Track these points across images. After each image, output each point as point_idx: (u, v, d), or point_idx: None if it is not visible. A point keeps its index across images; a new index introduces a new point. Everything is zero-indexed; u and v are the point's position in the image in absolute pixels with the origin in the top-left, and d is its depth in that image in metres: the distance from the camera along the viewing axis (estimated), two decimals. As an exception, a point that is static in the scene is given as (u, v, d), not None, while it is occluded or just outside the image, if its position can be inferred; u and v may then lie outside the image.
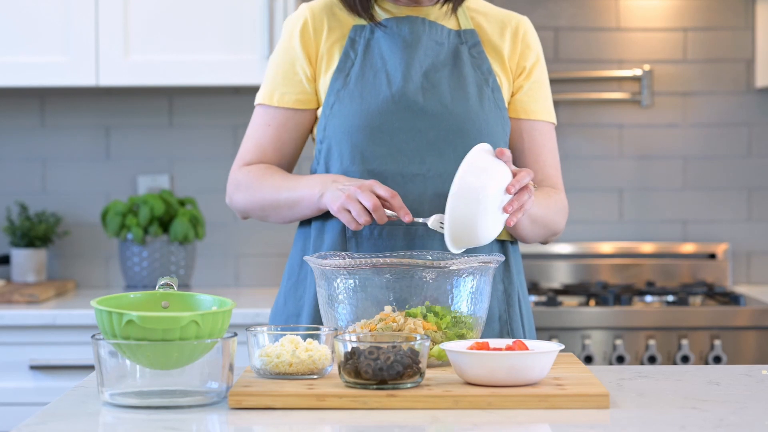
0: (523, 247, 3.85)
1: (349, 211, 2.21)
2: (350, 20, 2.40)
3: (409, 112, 2.33)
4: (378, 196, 2.20)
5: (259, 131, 2.44)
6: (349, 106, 2.34)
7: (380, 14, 2.41)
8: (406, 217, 2.19)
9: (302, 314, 2.39)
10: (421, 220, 2.23)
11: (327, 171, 2.38)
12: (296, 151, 2.45)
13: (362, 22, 2.39)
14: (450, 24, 2.41)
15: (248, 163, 2.45)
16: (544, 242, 2.44)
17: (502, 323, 2.36)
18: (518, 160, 2.44)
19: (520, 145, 2.43)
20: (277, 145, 2.43)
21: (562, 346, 1.96)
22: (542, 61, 2.46)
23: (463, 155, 2.32)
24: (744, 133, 4.08)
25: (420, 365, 1.89)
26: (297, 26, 2.40)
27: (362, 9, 2.37)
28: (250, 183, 2.41)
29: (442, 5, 2.39)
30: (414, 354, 1.88)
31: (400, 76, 2.35)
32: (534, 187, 2.19)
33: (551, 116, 2.47)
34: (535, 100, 2.43)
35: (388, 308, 2.09)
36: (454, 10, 2.39)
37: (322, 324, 2.27)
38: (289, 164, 2.47)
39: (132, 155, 4.03)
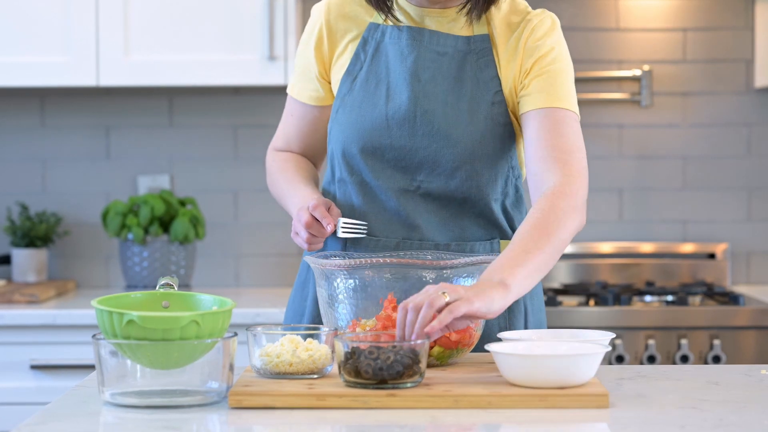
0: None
1: (298, 234, 2.29)
2: (368, 17, 2.38)
3: (401, 130, 2.30)
4: (312, 215, 2.25)
5: (285, 119, 2.51)
6: (348, 115, 2.34)
7: (399, 16, 2.36)
8: (329, 227, 2.23)
9: (305, 313, 2.41)
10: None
11: (333, 174, 2.39)
12: (320, 141, 2.47)
13: (378, 20, 2.36)
14: (461, 30, 2.34)
15: (278, 149, 2.53)
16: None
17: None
18: (530, 150, 2.27)
19: (530, 136, 2.27)
20: (299, 135, 2.49)
21: (608, 348, 1.95)
22: (554, 55, 2.30)
23: (454, 176, 2.29)
24: (744, 133, 4.08)
25: (420, 365, 1.90)
26: (315, 28, 2.40)
27: (382, 8, 2.34)
28: (272, 172, 2.50)
29: (468, 13, 2.30)
30: (414, 354, 1.89)
31: (397, 91, 2.32)
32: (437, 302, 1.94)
33: (568, 104, 2.28)
34: (542, 90, 2.28)
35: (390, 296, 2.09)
36: (479, 17, 2.31)
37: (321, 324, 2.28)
38: (315, 153, 2.52)
39: (132, 155, 4.03)
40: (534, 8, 2.38)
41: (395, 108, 2.31)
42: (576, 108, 2.31)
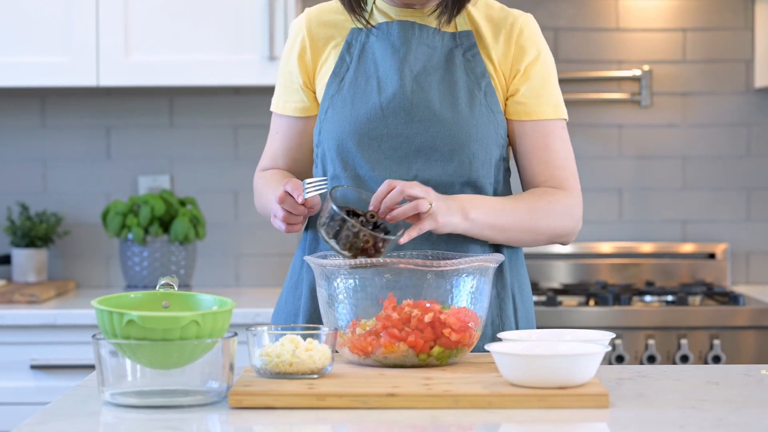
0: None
1: (276, 216, 2.29)
2: (349, 24, 2.41)
3: (396, 118, 2.33)
4: (285, 190, 2.26)
5: (271, 138, 2.51)
6: (340, 112, 2.35)
7: (377, 17, 2.40)
8: (299, 198, 2.23)
9: (299, 314, 2.41)
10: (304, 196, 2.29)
11: (324, 175, 2.39)
12: (307, 155, 2.47)
13: (360, 25, 2.39)
14: (444, 27, 2.37)
15: (264, 169, 2.52)
16: (550, 243, 2.40)
17: (494, 328, 2.35)
18: (524, 162, 2.40)
19: (523, 147, 2.39)
20: (285, 151, 2.49)
21: (608, 348, 1.96)
22: (543, 59, 2.39)
23: (451, 161, 2.32)
24: (743, 133, 4.08)
25: (381, 249, 2.13)
26: (297, 40, 2.43)
27: (356, 12, 2.37)
28: (258, 189, 2.49)
29: (438, 16, 2.35)
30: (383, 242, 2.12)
31: (389, 82, 2.34)
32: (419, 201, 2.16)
33: (557, 112, 2.39)
34: (535, 100, 2.37)
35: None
36: (449, 20, 2.35)
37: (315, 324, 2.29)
38: (301, 169, 2.50)
39: (132, 155, 4.03)
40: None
41: (389, 97, 2.34)
42: (564, 112, 2.42)
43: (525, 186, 2.42)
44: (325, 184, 2.27)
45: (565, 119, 2.42)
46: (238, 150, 4.03)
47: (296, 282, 2.45)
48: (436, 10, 2.36)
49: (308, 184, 2.24)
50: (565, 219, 2.37)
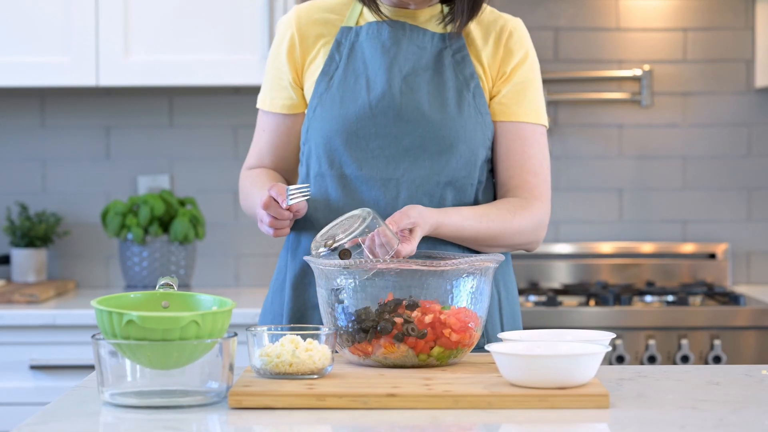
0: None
1: (262, 222, 2.30)
2: (338, 22, 2.41)
3: (386, 118, 2.33)
4: (270, 195, 2.26)
5: (257, 136, 2.51)
6: (329, 110, 2.36)
7: (368, 16, 2.40)
8: (284, 203, 2.23)
9: (283, 314, 2.41)
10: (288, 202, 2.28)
11: (308, 173, 2.40)
12: (293, 153, 2.47)
13: (349, 23, 2.40)
14: (436, 28, 2.39)
15: (250, 167, 2.52)
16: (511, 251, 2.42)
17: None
18: (499, 163, 2.40)
19: (499, 149, 2.39)
20: (271, 149, 2.49)
21: (609, 349, 1.96)
22: (529, 63, 2.40)
23: (438, 161, 2.32)
24: (744, 133, 4.08)
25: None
26: (285, 36, 2.43)
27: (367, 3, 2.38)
28: (244, 188, 2.50)
29: (450, 22, 2.36)
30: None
31: (379, 81, 2.35)
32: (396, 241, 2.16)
33: (538, 117, 2.40)
34: (516, 102, 2.38)
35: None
36: (462, 27, 2.36)
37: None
38: (288, 166, 2.50)
39: (132, 155, 4.03)
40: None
41: (378, 96, 2.34)
42: (545, 119, 2.43)
43: (498, 188, 2.42)
44: (308, 191, 2.28)
45: (545, 126, 2.42)
46: (238, 150, 4.02)
47: (282, 282, 2.45)
48: (446, 16, 2.37)
49: (292, 190, 2.25)
50: (532, 233, 2.38)
